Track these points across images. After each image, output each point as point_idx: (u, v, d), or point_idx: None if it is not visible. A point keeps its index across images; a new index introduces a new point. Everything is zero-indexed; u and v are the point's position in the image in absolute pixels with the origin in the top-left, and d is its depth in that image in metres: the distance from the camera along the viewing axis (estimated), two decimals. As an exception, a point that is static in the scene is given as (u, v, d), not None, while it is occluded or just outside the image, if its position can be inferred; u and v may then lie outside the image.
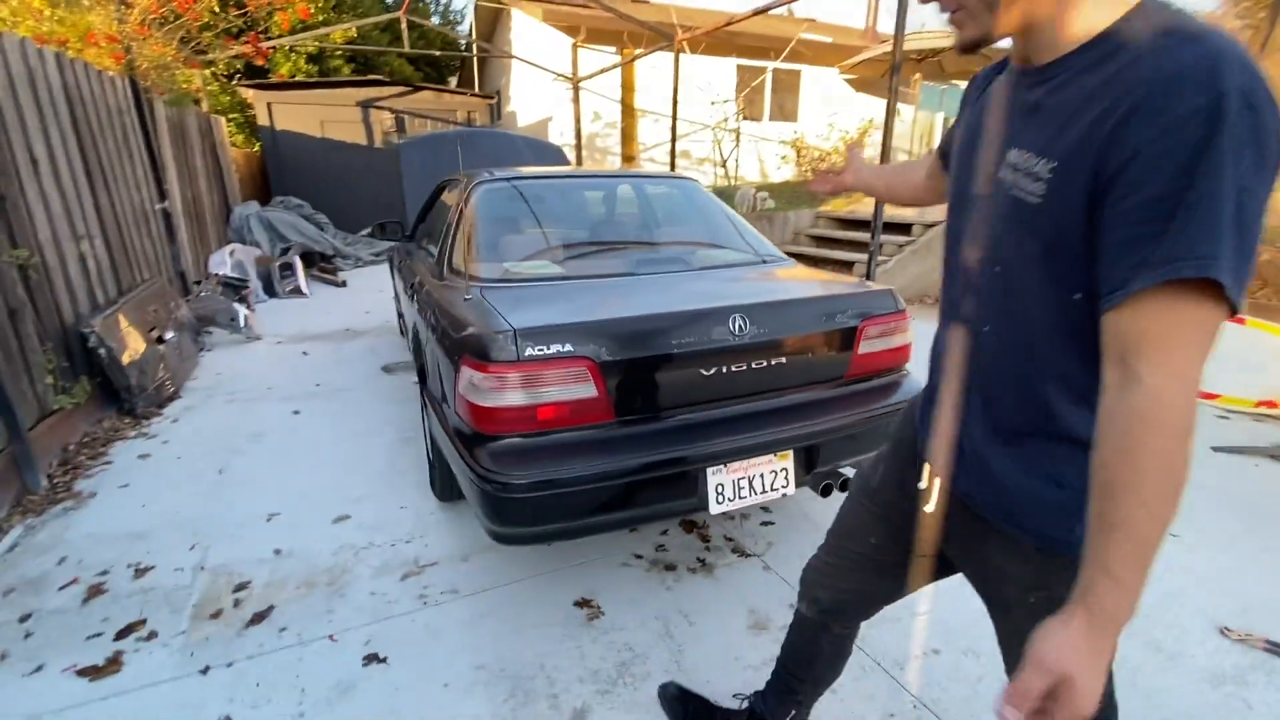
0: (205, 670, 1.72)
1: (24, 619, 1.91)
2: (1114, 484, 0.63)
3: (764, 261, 2.46)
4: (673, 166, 7.18)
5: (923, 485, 0.96)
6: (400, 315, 4.78)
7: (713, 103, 10.05)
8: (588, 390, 1.68)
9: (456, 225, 2.46)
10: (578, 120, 9.56)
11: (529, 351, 1.61)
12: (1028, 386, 0.78)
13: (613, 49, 10.27)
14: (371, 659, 1.75)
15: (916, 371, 2.00)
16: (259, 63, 7.44)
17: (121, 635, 1.85)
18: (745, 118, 10.81)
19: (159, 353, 3.74)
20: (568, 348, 1.64)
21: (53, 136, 3.42)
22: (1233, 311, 0.61)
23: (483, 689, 1.66)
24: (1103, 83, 0.64)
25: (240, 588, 2.06)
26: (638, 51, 8.78)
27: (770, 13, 5.73)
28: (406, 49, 8.60)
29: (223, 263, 6.25)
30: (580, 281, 2.13)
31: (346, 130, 9.27)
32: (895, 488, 1.06)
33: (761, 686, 1.44)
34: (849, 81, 12.35)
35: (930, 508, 0.94)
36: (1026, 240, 0.73)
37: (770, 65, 10.47)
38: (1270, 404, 3.26)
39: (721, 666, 1.73)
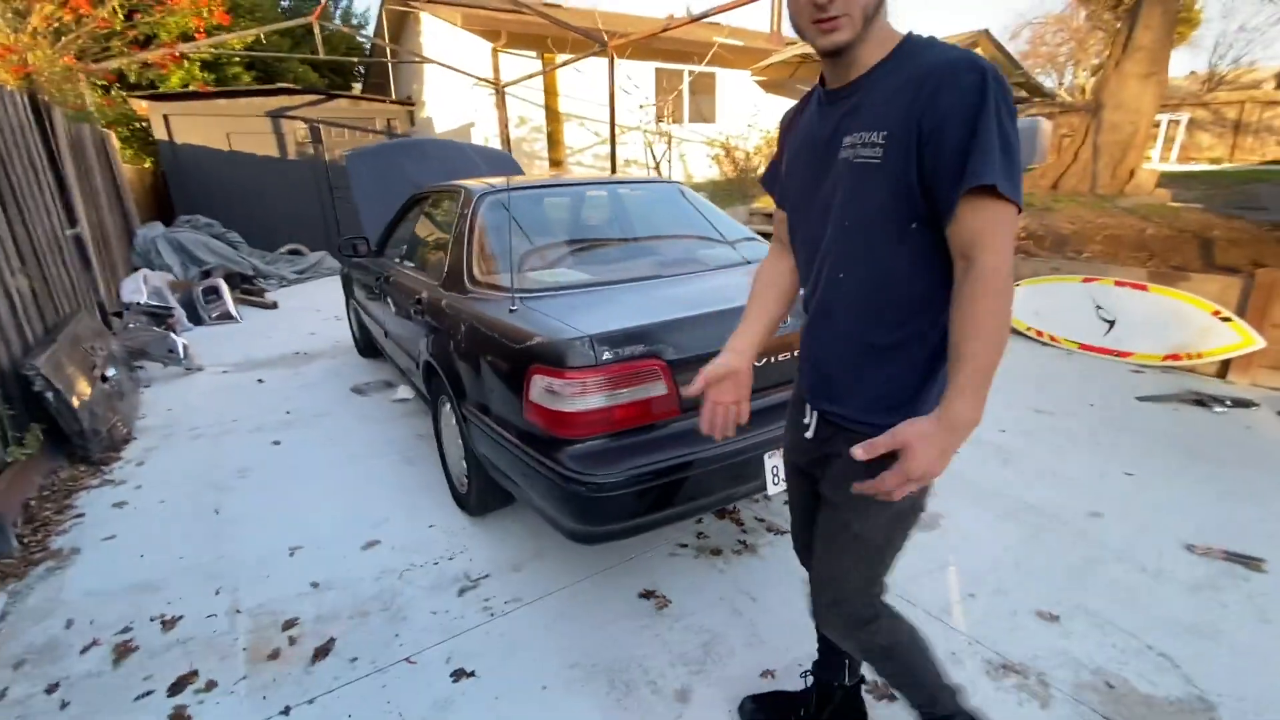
0: (287, 711, 1.65)
1: (52, 689, 1.75)
2: (964, 331, 0.89)
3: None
4: (613, 169, 7.27)
5: (805, 420, 1.20)
6: (361, 332, 4.60)
7: (641, 106, 10.24)
8: (659, 388, 1.76)
9: (469, 238, 2.45)
10: (505, 126, 9.45)
11: (606, 355, 1.67)
12: (878, 308, 1.03)
13: (534, 53, 10.22)
14: (460, 674, 1.75)
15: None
16: (164, 72, 6.82)
17: (176, 690, 1.74)
18: (670, 120, 11.07)
19: (105, 391, 3.43)
20: (640, 349, 1.72)
21: (-36, 160, 3.06)
22: (1018, 209, 0.90)
23: (582, 685, 1.70)
24: (905, 78, 0.94)
25: (289, 625, 1.97)
26: (566, 57, 8.82)
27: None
28: (321, 54, 8.15)
29: (138, 290, 5.73)
30: (614, 286, 2.19)
31: (256, 142, 8.69)
32: (793, 429, 1.27)
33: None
34: (760, 83, 12.92)
35: (810, 433, 1.19)
36: (873, 191, 0.98)
37: (689, 69, 10.76)
38: (1174, 357, 3.80)
39: (796, 634, 1.86)
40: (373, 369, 4.54)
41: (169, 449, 3.30)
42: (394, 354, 3.40)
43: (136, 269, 6.74)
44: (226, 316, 6.26)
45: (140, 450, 3.30)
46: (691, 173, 11.57)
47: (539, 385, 1.73)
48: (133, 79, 7.99)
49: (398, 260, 3.39)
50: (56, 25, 4.50)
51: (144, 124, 8.21)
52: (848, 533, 1.13)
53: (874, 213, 0.99)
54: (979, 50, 16.27)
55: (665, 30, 6.46)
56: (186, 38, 7.33)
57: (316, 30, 7.32)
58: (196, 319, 6.14)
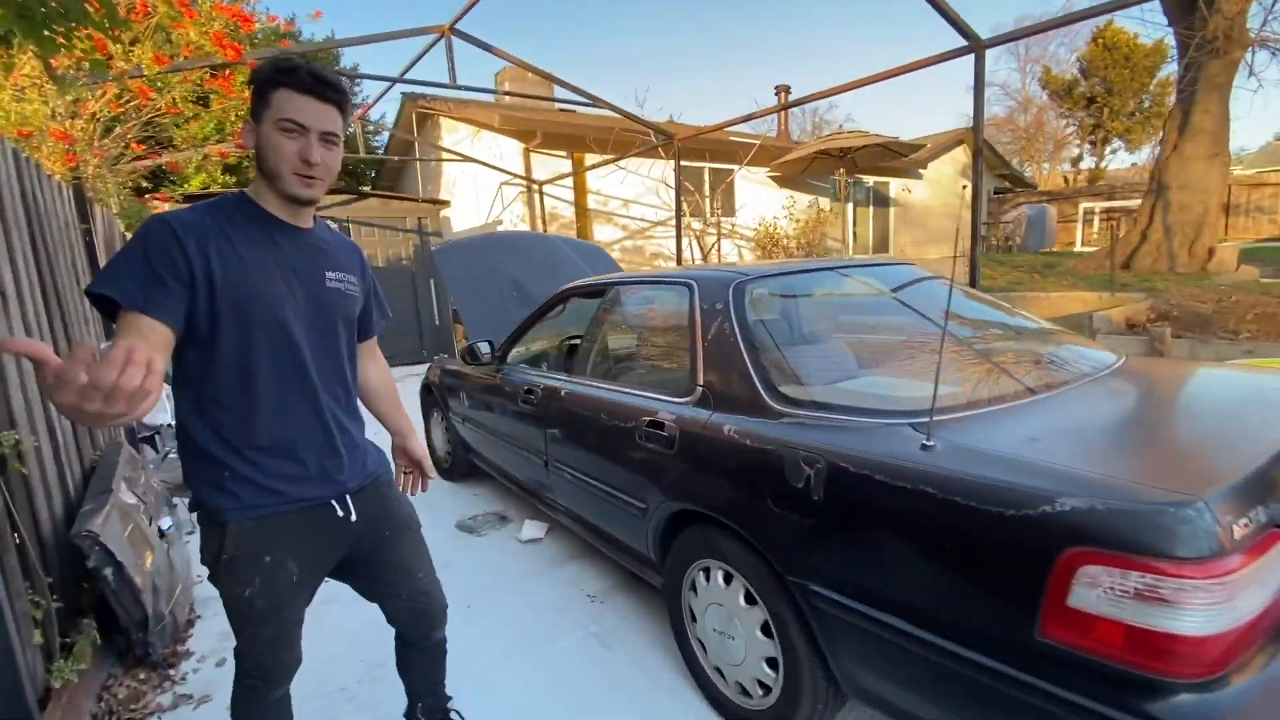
0: None
1: None
2: (392, 399, 1.60)
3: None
4: (679, 262, 6.87)
5: (341, 514, 1.31)
6: (461, 451, 3.81)
7: (706, 210, 10.24)
8: None
9: (736, 341, 1.81)
10: (544, 223, 9.16)
11: (1238, 530, 1.00)
12: (348, 398, 1.36)
13: (564, 153, 10.17)
14: None
15: None
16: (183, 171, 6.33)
17: None
18: (721, 214, 11.14)
19: (166, 553, 2.58)
20: (1263, 511, 1.05)
21: (18, 260, 2.37)
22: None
23: None
24: (336, 240, 1.38)
25: None
26: (596, 158, 8.68)
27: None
28: (362, 154, 7.82)
29: (161, 407, 4.88)
30: (1011, 404, 1.55)
31: (281, 243, 8.16)
32: (324, 557, 1.35)
33: None
34: (773, 178, 13.15)
35: (354, 516, 1.33)
36: (348, 312, 1.35)
37: (735, 168, 10.89)
38: None
39: None
40: (468, 496, 3.73)
41: (254, 634, 2.42)
42: (559, 491, 2.64)
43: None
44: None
45: (213, 639, 2.42)
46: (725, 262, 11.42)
47: (1092, 583, 1.03)
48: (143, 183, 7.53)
49: (556, 370, 2.73)
50: (119, 113, 3.98)
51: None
52: None
53: (344, 326, 1.36)
54: (964, 146, 17.13)
55: (724, 127, 6.27)
56: (208, 137, 6.95)
57: (359, 132, 6.99)
58: (225, 439, 5.28)
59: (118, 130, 4.08)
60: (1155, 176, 7.53)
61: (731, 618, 1.75)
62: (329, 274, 1.28)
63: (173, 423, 4.60)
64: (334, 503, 1.29)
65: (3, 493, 1.76)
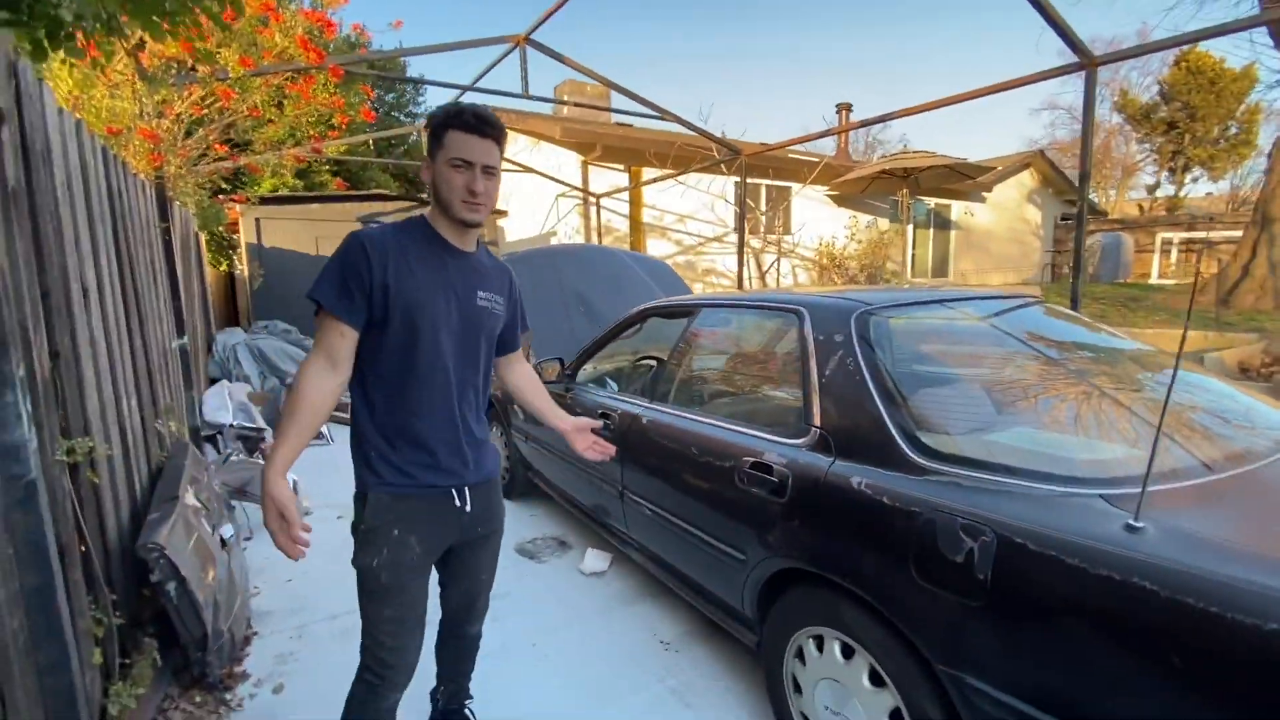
0: None
1: None
2: (544, 396, 1.77)
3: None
4: (739, 283, 6.66)
5: (459, 504, 1.47)
6: (520, 470, 3.66)
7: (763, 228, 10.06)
8: None
9: (864, 379, 1.60)
10: (599, 235, 9.08)
11: None
12: (478, 403, 1.51)
13: (621, 166, 10.11)
14: None
15: None
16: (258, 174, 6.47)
17: None
18: (783, 232, 10.92)
19: (227, 564, 2.49)
20: None
21: (101, 257, 2.34)
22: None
23: None
24: (491, 262, 1.55)
25: None
26: (654, 173, 8.56)
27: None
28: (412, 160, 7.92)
29: (223, 406, 4.91)
30: (1229, 476, 1.29)
31: (342, 246, 8.31)
32: (448, 537, 1.51)
33: None
34: (831, 197, 12.84)
35: (469, 507, 1.49)
36: (491, 328, 1.50)
37: (796, 186, 10.66)
38: None
39: None
40: (526, 517, 3.58)
41: (312, 658, 2.30)
42: (633, 524, 2.46)
43: (214, 380, 6.01)
44: (316, 436, 5.40)
45: (270, 659, 2.30)
46: (782, 282, 11.15)
47: None
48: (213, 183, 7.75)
49: (633, 394, 2.55)
50: (201, 115, 4.04)
51: (226, 227, 7.82)
52: None
53: (490, 340, 1.53)
54: (1032, 172, 16.45)
55: (795, 144, 6.05)
56: (283, 140, 7.09)
57: (424, 141, 7.03)
58: (282, 440, 5.28)
59: (200, 132, 4.14)
60: (1259, 208, 6.96)
61: (851, 698, 1.52)
62: (480, 293, 1.45)
63: (234, 422, 4.61)
64: (454, 492, 1.45)
65: (74, 503, 1.68)
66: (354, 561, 1.42)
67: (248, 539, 3.36)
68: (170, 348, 3.65)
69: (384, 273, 1.32)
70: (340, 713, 1.50)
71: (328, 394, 1.32)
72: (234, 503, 3.61)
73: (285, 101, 5.29)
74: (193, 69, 3.40)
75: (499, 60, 5.50)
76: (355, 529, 1.43)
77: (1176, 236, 15.29)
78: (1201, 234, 14.71)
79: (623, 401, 2.58)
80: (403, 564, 1.40)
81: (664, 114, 6.06)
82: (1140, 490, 1.10)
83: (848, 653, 1.53)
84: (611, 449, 1.71)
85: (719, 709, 1.98)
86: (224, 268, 8.90)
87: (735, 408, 2.24)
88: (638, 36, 53.82)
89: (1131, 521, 1.09)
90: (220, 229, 9.39)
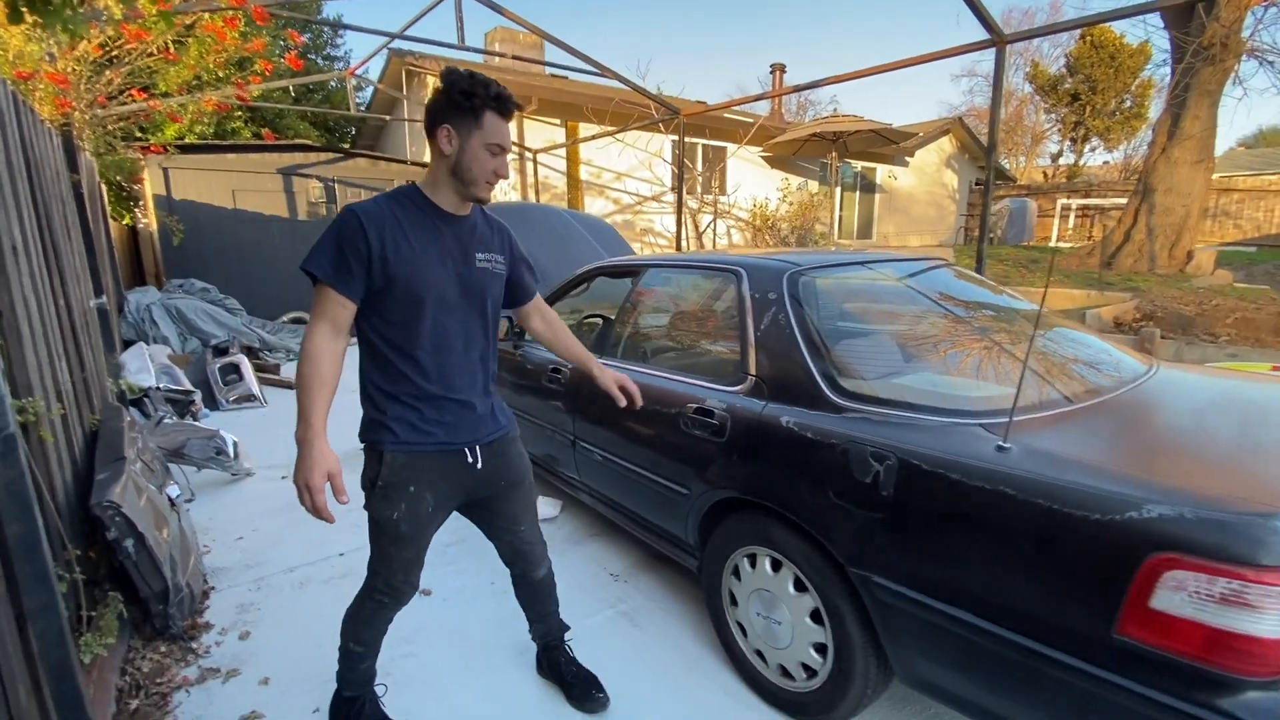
0: None
1: None
2: (569, 337, 1.85)
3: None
4: (677, 244, 6.82)
5: (470, 460, 1.55)
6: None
7: (700, 182, 10.14)
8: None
9: (794, 332, 1.82)
10: (536, 193, 8.97)
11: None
12: (487, 363, 1.58)
13: (558, 121, 9.95)
14: None
15: None
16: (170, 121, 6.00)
17: None
18: (719, 193, 11.02)
19: (178, 522, 2.51)
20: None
21: (24, 212, 2.24)
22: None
23: None
24: (486, 223, 1.60)
25: None
26: (592, 129, 8.50)
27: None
28: (352, 111, 7.51)
29: (144, 369, 4.72)
30: (1084, 406, 1.59)
31: (263, 200, 7.84)
32: (464, 493, 1.60)
33: None
34: (764, 158, 13.10)
35: (480, 463, 1.56)
36: (494, 288, 1.57)
37: (732, 147, 10.77)
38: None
39: None
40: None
41: (275, 607, 2.39)
42: (584, 470, 2.63)
43: (129, 343, 5.68)
44: (248, 398, 5.27)
45: (232, 610, 2.37)
46: (715, 243, 11.37)
47: (1177, 587, 1.08)
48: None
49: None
50: (112, 54, 3.72)
51: (130, 177, 7.23)
52: None
53: (495, 301, 1.60)
54: (951, 138, 17.24)
55: (735, 105, 6.20)
56: (189, 83, 6.56)
57: (350, 85, 6.70)
58: (212, 403, 5.13)
59: (108, 74, 3.82)
60: (1142, 178, 7.74)
61: (779, 603, 1.78)
62: (478, 255, 1.52)
63: (159, 385, 4.45)
64: (466, 449, 1.54)
65: (30, 464, 1.68)
66: (370, 512, 1.51)
67: (189, 500, 3.32)
68: (89, 307, 3.47)
69: (381, 245, 1.37)
70: (337, 632, 1.71)
71: (339, 355, 1.39)
72: (171, 465, 3.55)
73: (192, 40, 4.91)
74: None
75: (430, 7, 5.30)
76: (370, 483, 1.50)
77: (1075, 203, 16.56)
78: (1096, 200, 16.01)
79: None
80: (419, 515, 1.50)
81: (602, 69, 6.04)
82: (1008, 419, 1.37)
83: (776, 566, 1.79)
84: (636, 392, 1.78)
85: (664, 625, 2.23)
86: (127, 221, 8.24)
87: (679, 360, 2.43)
88: (569, -17, 51.60)
89: (1001, 443, 1.36)
90: (119, 178, 8.66)
